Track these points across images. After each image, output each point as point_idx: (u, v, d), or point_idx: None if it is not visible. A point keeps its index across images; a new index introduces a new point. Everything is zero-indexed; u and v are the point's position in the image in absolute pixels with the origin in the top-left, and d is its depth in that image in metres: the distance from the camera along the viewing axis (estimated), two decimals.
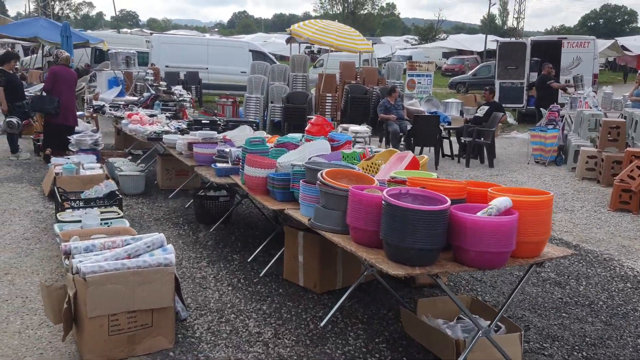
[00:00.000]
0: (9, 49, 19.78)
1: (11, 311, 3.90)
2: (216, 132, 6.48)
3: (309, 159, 4.36)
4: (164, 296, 3.37)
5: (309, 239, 4.33)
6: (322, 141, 4.80)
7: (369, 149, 4.76)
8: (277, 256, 4.79)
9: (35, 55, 22.23)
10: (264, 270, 4.74)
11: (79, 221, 5.17)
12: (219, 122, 7.25)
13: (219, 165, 5.16)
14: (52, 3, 44.85)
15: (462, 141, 10.52)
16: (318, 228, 3.47)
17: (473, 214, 2.91)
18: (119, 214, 5.49)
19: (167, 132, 7.06)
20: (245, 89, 19.32)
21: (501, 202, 2.92)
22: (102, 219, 5.24)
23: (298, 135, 5.44)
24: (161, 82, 10.35)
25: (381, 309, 4.12)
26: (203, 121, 7.17)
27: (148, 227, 5.93)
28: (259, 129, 8.37)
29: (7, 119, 8.26)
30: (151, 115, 8.09)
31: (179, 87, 9.99)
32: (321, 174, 3.48)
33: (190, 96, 9.70)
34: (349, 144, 5.07)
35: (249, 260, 5.04)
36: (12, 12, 71.31)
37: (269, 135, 6.24)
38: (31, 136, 9.81)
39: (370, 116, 13.43)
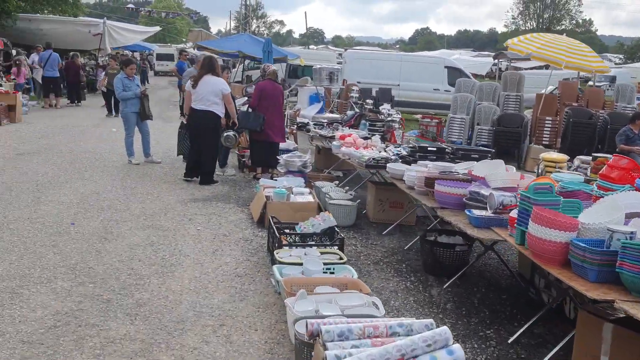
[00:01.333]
0: None
1: None
2: (452, 164, 5.39)
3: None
4: None
5: (624, 337, 3.00)
6: (635, 194, 3.45)
7: None
8: (558, 347, 3.52)
9: (235, 69, 23.26)
10: None
11: (299, 263, 4.42)
12: (447, 149, 6.16)
13: (476, 212, 4.02)
14: (251, 21, 47.95)
15: None
16: None
17: None
18: (341, 258, 4.64)
19: (387, 159, 6.15)
20: (438, 107, 18.27)
21: None
22: (323, 263, 4.44)
23: (579, 178, 4.14)
24: (367, 100, 9.58)
25: None
26: (429, 148, 6.13)
27: (368, 273, 5.00)
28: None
29: (226, 134, 8.01)
30: (364, 138, 7.27)
31: (387, 106, 9.12)
32: None
33: (400, 116, 8.75)
34: None
35: (509, 341, 3.83)
36: (213, 30, 78.25)
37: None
38: (236, 151, 9.62)
39: (595, 145, 11.49)
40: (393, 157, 6.25)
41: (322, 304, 3.63)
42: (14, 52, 18.59)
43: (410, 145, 6.60)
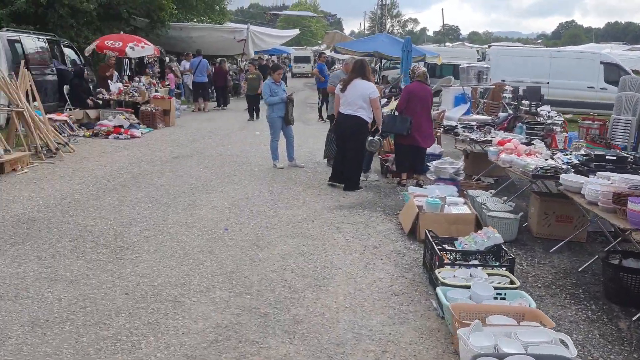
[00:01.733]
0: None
1: None
2: (638, 176, 4.66)
3: None
4: None
5: None
6: None
7: None
8: None
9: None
10: None
11: (465, 286, 4.01)
12: (629, 158, 5.38)
13: None
14: (385, 20, 47.70)
15: None
16: None
17: None
18: (512, 282, 4.16)
19: (556, 169, 5.51)
20: (592, 106, 16.70)
21: None
22: (493, 287, 4.00)
23: None
24: (523, 101, 8.83)
25: None
26: (607, 157, 5.39)
27: (540, 298, 4.45)
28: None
29: (370, 138, 7.79)
30: (527, 144, 6.64)
31: (547, 107, 8.33)
32: None
33: (562, 119, 7.94)
34: None
35: None
36: (346, 30, 79.21)
37: None
38: (378, 156, 9.35)
39: None
40: (563, 166, 5.60)
41: (500, 337, 3.21)
42: (167, 59, 19.96)
43: (584, 153, 5.87)
